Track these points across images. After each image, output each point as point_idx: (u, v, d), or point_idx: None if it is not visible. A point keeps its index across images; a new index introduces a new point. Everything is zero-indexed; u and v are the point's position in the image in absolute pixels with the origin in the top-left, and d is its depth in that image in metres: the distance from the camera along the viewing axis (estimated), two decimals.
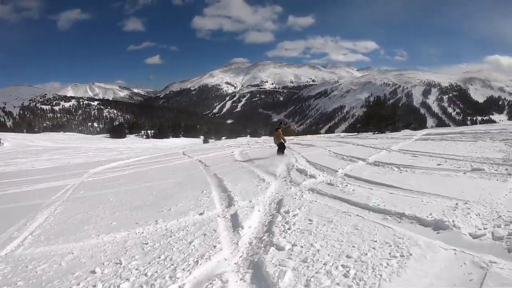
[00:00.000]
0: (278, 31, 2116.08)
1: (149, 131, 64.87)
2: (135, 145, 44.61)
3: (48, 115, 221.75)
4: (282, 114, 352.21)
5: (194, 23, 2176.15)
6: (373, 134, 31.64)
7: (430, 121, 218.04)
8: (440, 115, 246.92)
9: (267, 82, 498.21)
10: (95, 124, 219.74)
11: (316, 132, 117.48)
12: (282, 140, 13.16)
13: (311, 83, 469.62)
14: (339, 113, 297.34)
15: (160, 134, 61.93)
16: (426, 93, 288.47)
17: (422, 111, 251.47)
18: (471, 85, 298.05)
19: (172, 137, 65.04)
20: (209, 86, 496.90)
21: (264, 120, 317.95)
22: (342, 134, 40.61)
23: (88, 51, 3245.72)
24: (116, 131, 61.73)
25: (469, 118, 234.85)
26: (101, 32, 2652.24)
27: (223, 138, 72.18)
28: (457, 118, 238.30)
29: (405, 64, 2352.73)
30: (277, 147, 13.55)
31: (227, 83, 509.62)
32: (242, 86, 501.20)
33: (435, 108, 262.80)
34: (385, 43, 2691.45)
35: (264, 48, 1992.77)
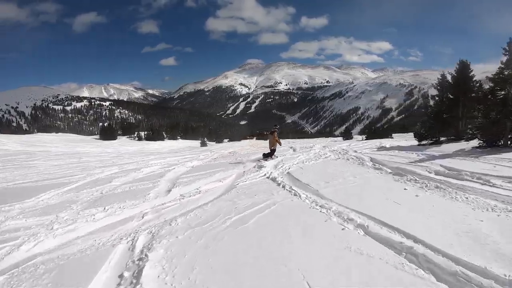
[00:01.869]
0: (291, 32, 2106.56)
1: (142, 133, 60.66)
2: (122, 147, 40.42)
3: (60, 115, 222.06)
4: (296, 116, 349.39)
5: (208, 24, 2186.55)
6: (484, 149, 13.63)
7: None
8: None
9: (281, 83, 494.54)
10: (106, 125, 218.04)
11: (330, 134, 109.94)
12: (277, 145, 13.67)
13: (326, 84, 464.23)
14: (354, 114, 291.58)
15: (154, 135, 57.65)
16: None
17: None
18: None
19: (169, 139, 60.98)
20: (223, 87, 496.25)
21: (278, 121, 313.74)
22: (388, 144, 23.57)
23: (104, 52, 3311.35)
24: (107, 132, 57.81)
25: None
26: (117, 34, 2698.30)
27: (226, 140, 67.45)
28: None
29: (420, 64, 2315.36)
30: (269, 151, 13.64)
31: (241, 84, 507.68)
32: (256, 87, 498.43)
33: None
34: (399, 43, 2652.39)
35: (278, 49, 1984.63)
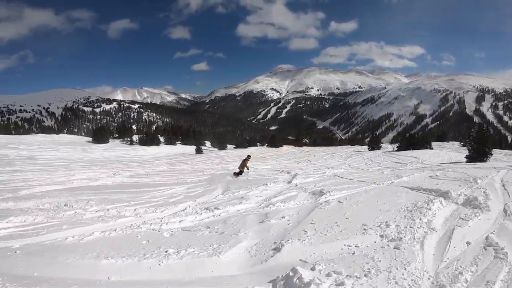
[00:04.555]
0: (321, 38, 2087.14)
1: (135, 137, 57.25)
2: (100, 153, 37.09)
3: (89, 116, 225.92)
4: (327, 121, 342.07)
5: (239, 30, 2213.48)
6: None
7: None
8: (495, 124, 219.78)
9: (313, 88, 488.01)
10: (133, 127, 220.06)
11: (361, 141, 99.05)
12: (245, 168, 15.99)
13: (358, 89, 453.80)
14: (386, 121, 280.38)
15: (148, 140, 53.93)
16: (479, 99, 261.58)
17: (476, 119, 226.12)
18: None
19: (166, 144, 57.30)
20: (254, 92, 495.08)
21: (309, 127, 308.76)
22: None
23: (137, 57, 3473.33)
24: (98, 135, 54.77)
25: None
26: (149, 40, 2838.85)
27: (231, 147, 62.91)
28: None
29: (453, 69, 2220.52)
30: (238, 170, 15.90)
31: (272, 89, 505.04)
32: (287, 92, 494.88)
33: (490, 116, 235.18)
34: (432, 47, 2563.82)
35: (309, 55, 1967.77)
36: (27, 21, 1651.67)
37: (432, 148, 38.59)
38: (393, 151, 38.21)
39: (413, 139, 42.35)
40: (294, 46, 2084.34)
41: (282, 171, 16.70)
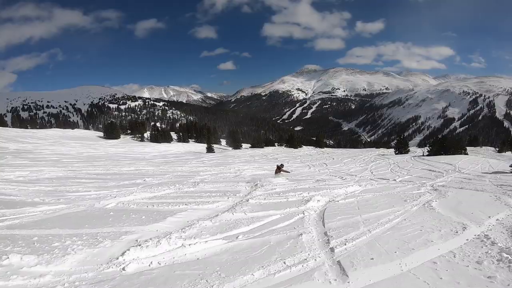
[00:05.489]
0: (347, 38, 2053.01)
1: (146, 133, 56.38)
2: (102, 148, 36.15)
3: (114, 113, 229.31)
4: (353, 123, 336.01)
5: (265, 30, 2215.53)
6: None
7: None
8: None
9: (339, 89, 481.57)
10: (158, 124, 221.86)
11: (386, 144, 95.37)
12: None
13: (385, 91, 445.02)
14: (413, 124, 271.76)
15: (159, 136, 52.96)
16: (510, 103, 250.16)
17: (506, 124, 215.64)
18: None
19: (178, 141, 56.22)
20: (280, 92, 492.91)
21: (334, 129, 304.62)
22: None
23: (164, 56, 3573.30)
24: (109, 131, 54.23)
25: None
26: (176, 39, 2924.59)
27: (246, 146, 61.05)
28: None
29: (483, 71, 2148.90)
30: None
31: (298, 89, 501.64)
32: (313, 92, 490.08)
33: None
34: (461, 48, 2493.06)
35: (335, 55, 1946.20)
36: (56, 20, 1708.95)
37: (467, 154, 35.10)
38: (423, 155, 34.95)
39: (446, 142, 37.98)
40: (320, 46, 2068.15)
41: (263, 182, 11.62)
